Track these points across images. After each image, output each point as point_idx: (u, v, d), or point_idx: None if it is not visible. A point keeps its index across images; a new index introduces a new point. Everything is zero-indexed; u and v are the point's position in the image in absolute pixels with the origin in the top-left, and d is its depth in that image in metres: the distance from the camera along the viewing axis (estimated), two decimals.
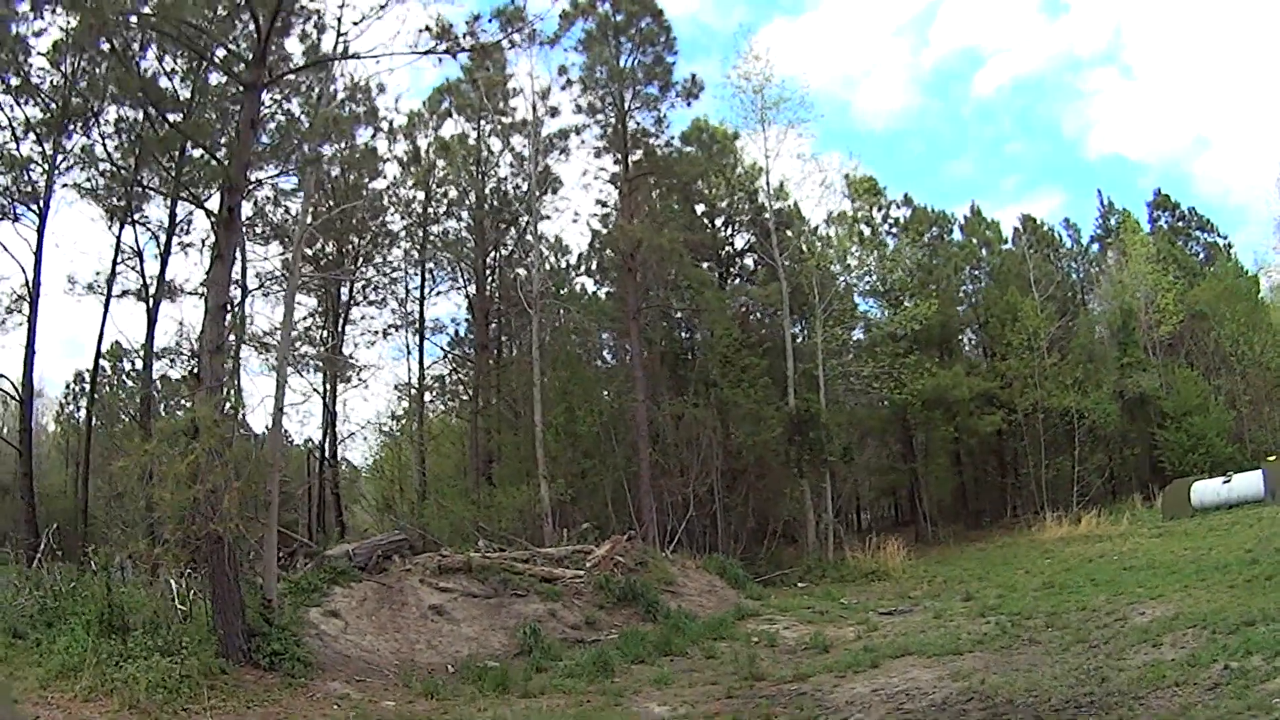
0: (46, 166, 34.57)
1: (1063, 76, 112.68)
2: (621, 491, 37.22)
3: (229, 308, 19.09)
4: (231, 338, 30.19)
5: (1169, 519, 39.56)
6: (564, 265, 50.34)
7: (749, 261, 50.36)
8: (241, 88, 19.63)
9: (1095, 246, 69.87)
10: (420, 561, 24.76)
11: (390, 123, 43.93)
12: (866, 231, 51.85)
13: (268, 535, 18.94)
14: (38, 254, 33.99)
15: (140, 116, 32.10)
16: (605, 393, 42.17)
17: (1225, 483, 39.38)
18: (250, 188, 31.35)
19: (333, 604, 20.96)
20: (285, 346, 22.25)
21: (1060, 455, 52.37)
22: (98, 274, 37.17)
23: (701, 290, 43.08)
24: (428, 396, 49.31)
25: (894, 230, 55.34)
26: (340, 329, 46.38)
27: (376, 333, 47.67)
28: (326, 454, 45.50)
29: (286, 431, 50.71)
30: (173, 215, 36.13)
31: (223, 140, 27.05)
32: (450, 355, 49.79)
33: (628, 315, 40.52)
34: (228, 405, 18.50)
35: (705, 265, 46.90)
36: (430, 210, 47.73)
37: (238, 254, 34.01)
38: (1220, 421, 50.85)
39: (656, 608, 23.85)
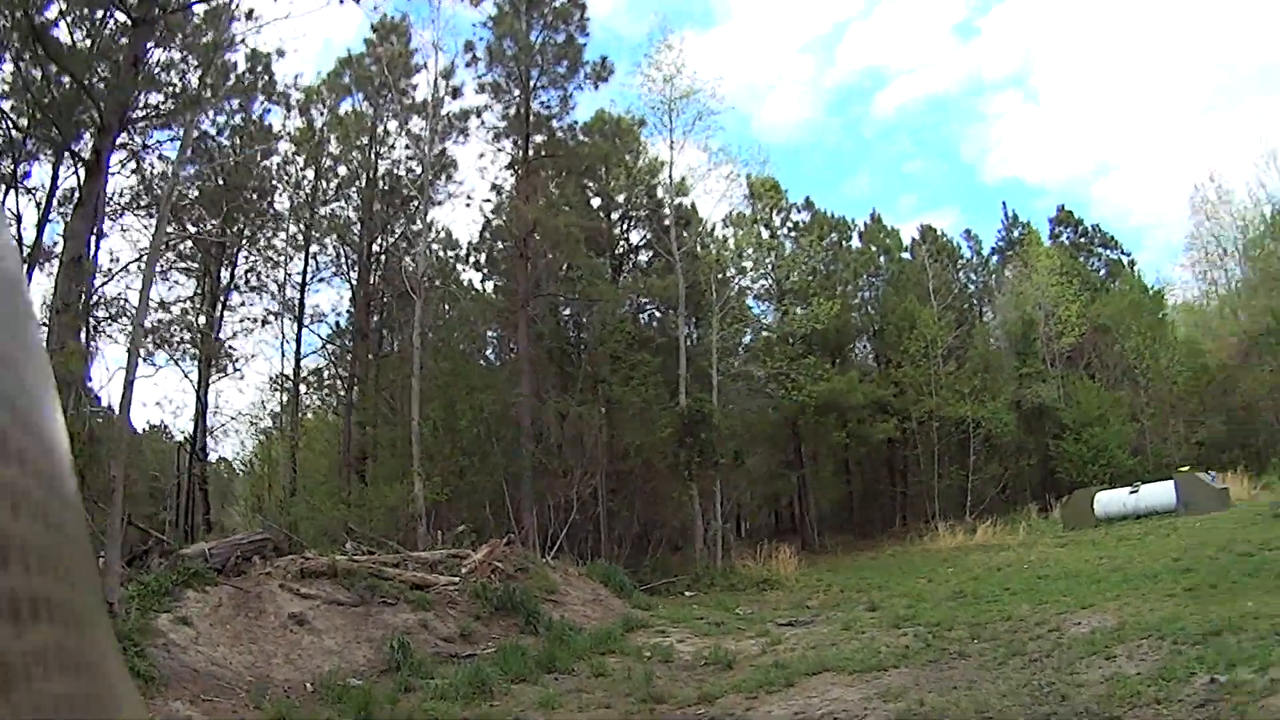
0: None
1: (967, 99, 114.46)
2: (501, 493, 35.36)
3: (82, 262, 16.82)
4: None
5: (1070, 529, 39.65)
6: (452, 256, 48.31)
7: (643, 257, 48.88)
8: (131, 22, 17.71)
9: (995, 258, 70.29)
10: (282, 564, 22.80)
11: (288, 97, 42.07)
12: (765, 234, 51.13)
13: (110, 528, 16.97)
14: None
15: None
16: (488, 389, 40.14)
17: (1132, 493, 39.47)
18: (132, 147, 29.64)
19: (184, 610, 19.03)
20: (142, 312, 19.99)
21: (954, 465, 52.55)
22: None
23: (595, 281, 41.42)
24: (303, 389, 46.82)
25: (793, 233, 54.73)
26: (219, 315, 43.92)
27: (255, 320, 45.03)
28: (196, 447, 42.92)
29: (164, 426, 48.43)
30: (55, 176, 33.43)
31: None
32: (328, 346, 47.48)
33: (517, 304, 38.81)
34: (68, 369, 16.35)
35: (599, 259, 45.26)
36: (320, 190, 45.51)
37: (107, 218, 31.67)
38: (1121, 434, 51.41)
39: (538, 618, 22.06)
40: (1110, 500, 40.08)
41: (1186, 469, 40.47)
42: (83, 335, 32.59)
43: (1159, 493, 38.73)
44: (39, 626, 0.67)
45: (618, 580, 28.63)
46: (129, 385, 18.76)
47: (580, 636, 21.18)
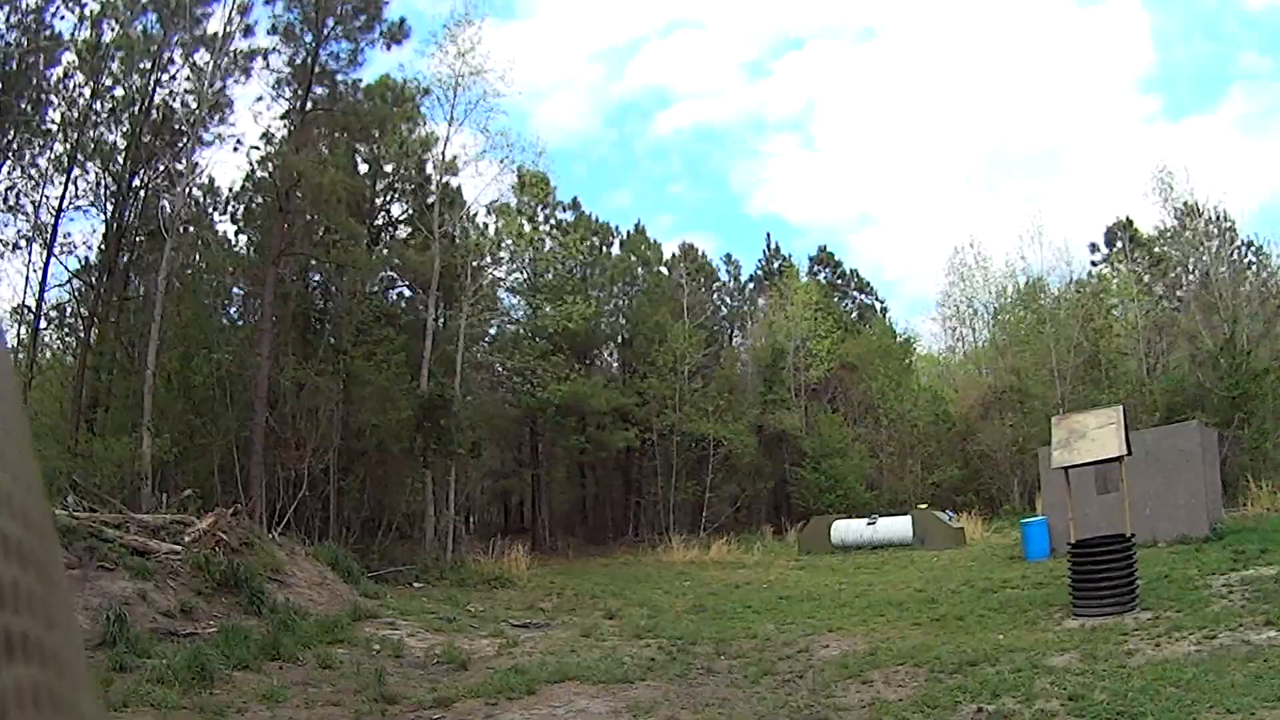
0: None
1: (745, 134, 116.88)
2: (231, 460, 33.58)
3: None
4: None
5: (806, 553, 41.01)
6: (211, 204, 45.65)
7: (402, 233, 47.33)
8: None
9: (752, 286, 71.16)
10: None
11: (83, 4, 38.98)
12: (528, 227, 50.10)
13: None
14: None
15: None
16: (228, 346, 38.08)
17: (870, 524, 41.10)
18: None
19: None
20: None
21: (691, 480, 53.41)
22: None
23: (350, 247, 39.85)
24: (44, 324, 43.18)
25: (555, 231, 53.97)
26: None
27: (5, 244, 41.09)
28: None
29: None
30: None
31: None
32: (74, 281, 44.17)
33: (268, 259, 36.84)
34: None
35: (359, 225, 43.55)
36: (94, 111, 41.70)
37: None
38: (860, 467, 53.78)
39: (262, 599, 20.69)
40: (848, 529, 41.53)
41: (925, 506, 42.57)
42: None
43: (896, 526, 40.47)
44: (18, 664, 0.69)
45: (346, 565, 27.36)
46: None
47: (306, 622, 20.01)
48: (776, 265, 70.34)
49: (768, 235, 76.14)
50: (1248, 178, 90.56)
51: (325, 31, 38.54)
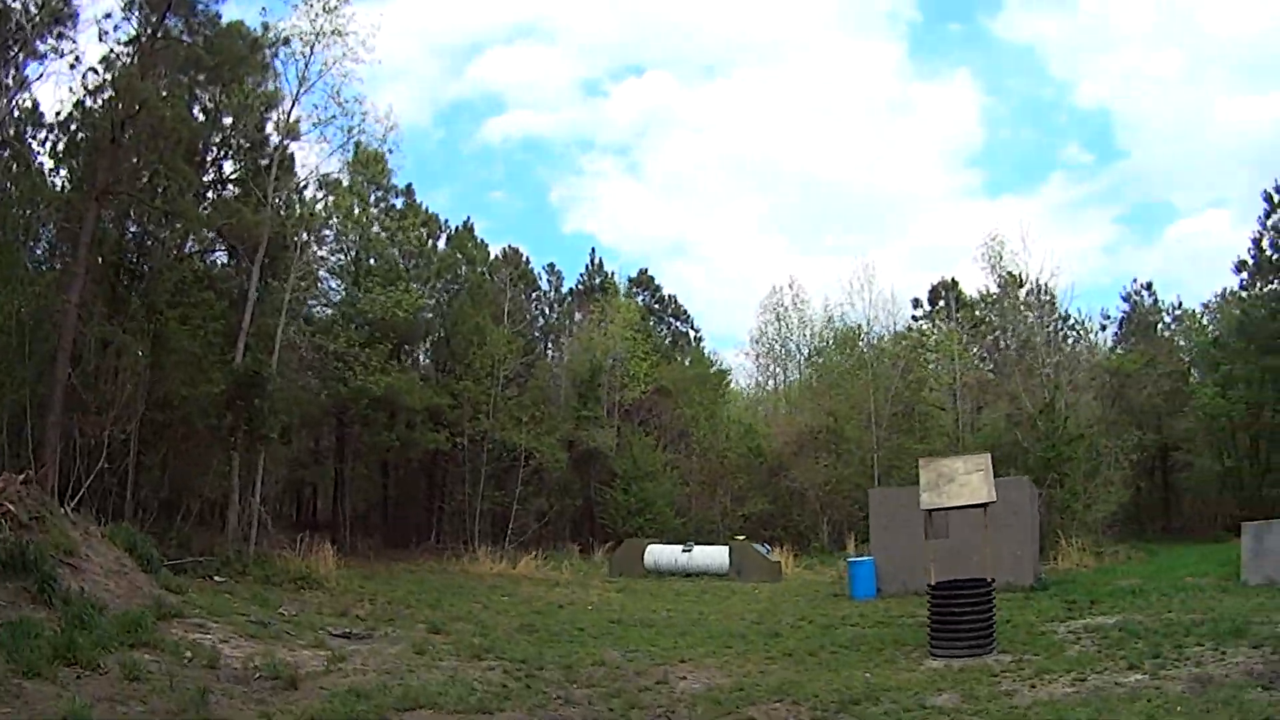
0: None
1: (572, 150, 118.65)
2: (21, 418, 29.57)
3: None
4: None
5: (618, 574, 41.39)
6: (29, 124, 40.96)
7: (228, 194, 43.42)
8: None
9: (571, 300, 70.52)
10: None
11: None
12: (358, 208, 47.81)
13: None
14: None
15: None
16: (30, 286, 33.71)
17: (686, 551, 41.63)
18: None
19: None
20: None
21: (499, 490, 52.69)
22: None
23: (182, 196, 36.02)
24: None
25: (384, 217, 50.99)
26: None
27: None
28: None
29: None
30: None
31: None
32: None
33: (90, 195, 32.70)
34: None
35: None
36: None
37: None
38: (670, 492, 54.00)
39: (54, 588, 17.08)
40: (662, 554, 41.75)
41: (743, 538, 42.99)
42: None
43: (713, 555, 41.10)
44: None
45: (145, 551, 23.71)
46: None
47: (104, 619, 16.64)
48: (598, 281, 70.49)
49: (591, 250, 75.38)
50: (1057, 263, 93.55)
51: None
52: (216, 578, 28.21)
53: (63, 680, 12.79)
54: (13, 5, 33.93)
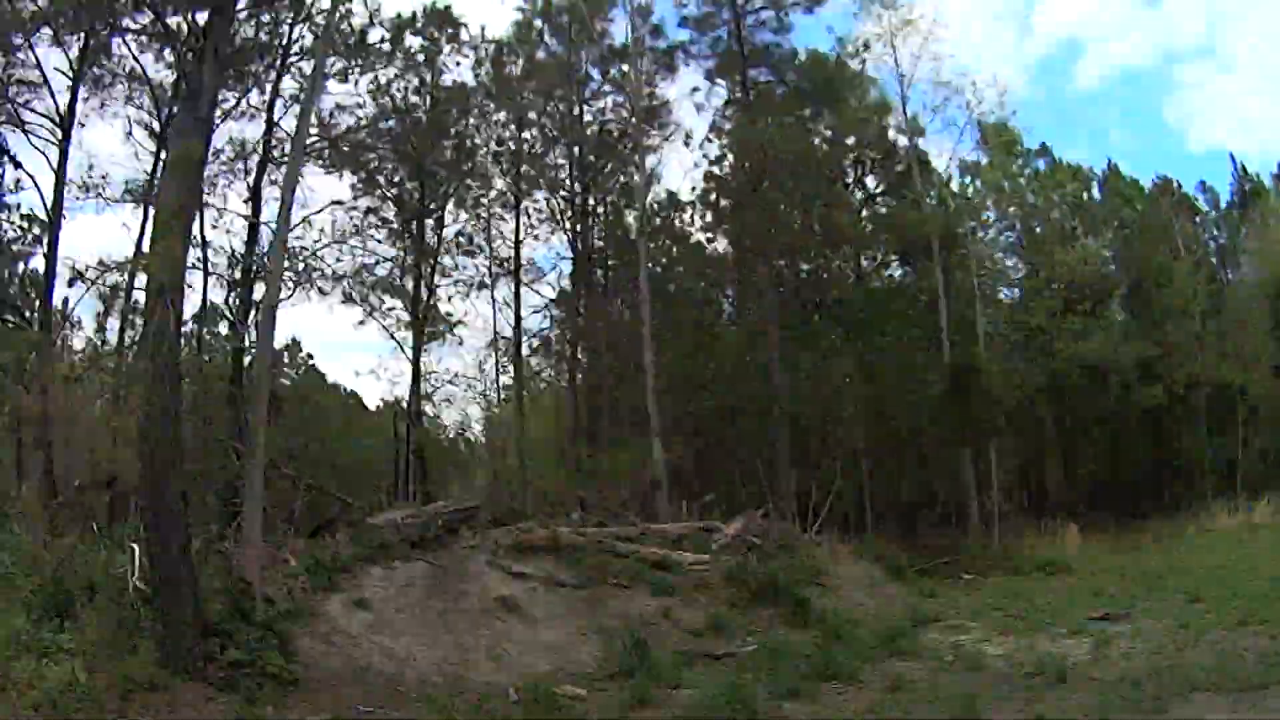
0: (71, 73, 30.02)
1: (1161, 68, 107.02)
2: (752, 459, 30.91)
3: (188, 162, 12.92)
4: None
5: None
6: (671, 210, 43.63)
7: (879, 207, 43.76)
8: None
9: (1233, 211, 61.96)
10: (494, 537, 18.92)
11: (475, 48, 39.31)
12: (1006, 184, 45.61)
13: (248, 487, 13.37)
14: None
15: None
16: (728, 345, 35.62)
17: None
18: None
19: (364, 590, 15.37)
20: (282, 230, 16.28)
21: (1220, 436, 46.83)
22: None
23: (835, 212, 36.56)
24: (525, 350, 42.97)
25: (1032, 184, 48.63)
26: (430, 277, 40.51)
27: (469, 284, 41.34)
28: (410, 412, 39.62)
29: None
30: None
31: None
32: (549, 307, 43.63)
33: (752, 249, 34.41)
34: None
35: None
36: (525, 143, 41.67)
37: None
38: None
39: (806, 608, 17.52)
40: None
41: None
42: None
43: None
44: None
45: (892, 561, 23.98)
46: (271, 307, 15.40)
47: (860, 632, 16.45)
48: (1247, 188, 60.87)
49: (1230, 157, 67.06)
50: None
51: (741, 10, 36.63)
52: (965, 575, 27.61)
53: (821, 698, 12.57)
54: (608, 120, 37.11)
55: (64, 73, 30.43)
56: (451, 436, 46.39)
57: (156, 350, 11.71)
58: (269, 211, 31.22)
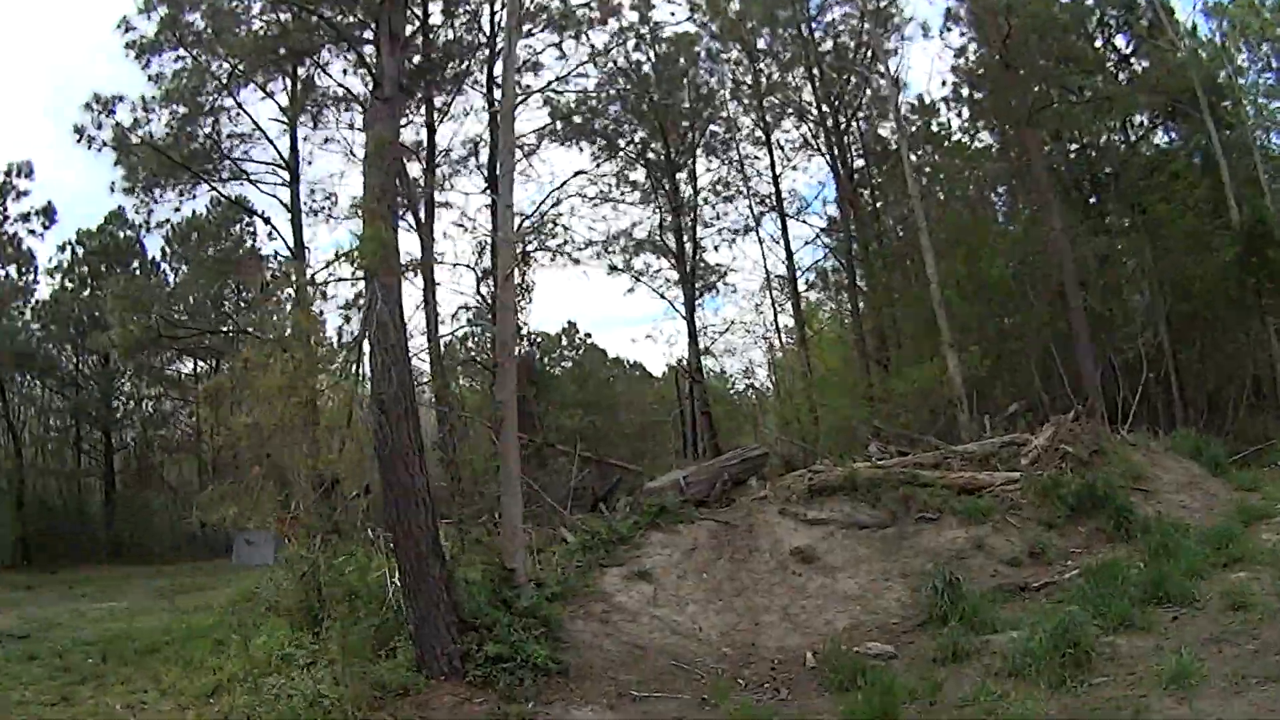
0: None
1: None
2: (1048, 358, 28.96)
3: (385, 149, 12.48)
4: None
5: None
6: (922, 108, 40.75)
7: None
8: None
9: None
10: (786, 484, 17.88)
11: None
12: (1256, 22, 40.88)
13: (504, 469, 13.22)
14: None
15: None
16: (1006, 235, 33.41)
17: None
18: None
19: (646, 560, 14.78)
20: (507, 182, 15.61)
21: None
22: None
23: (1092, 76, 33.96)
24: (801, 284, 42.05)
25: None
26: (692, 231, 40.64)
27: (736, 230, 41.33)
28: (691, 369, 39.67)
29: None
30: None
31: None
32: (820, 236, 42.33)
33: (1018, 120, 32.21)
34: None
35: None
36: (761, 76, 40.89)
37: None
38: None
39: (1128, 518, 15.83)
40: None
41: None
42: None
43: None
44: None
45: (1211, 455, 21.24)
46: (507, 277, 14.90)
47: (1187, 541, 14.50)
48: None
49: None
50: None
51: None
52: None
53: (1154, 627, 11.15)
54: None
55: (278, 120, 33.78)
56: (740, 388, 45.45)
57: (381, 337, 11.46)
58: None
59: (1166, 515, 16.23)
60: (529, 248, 34.03)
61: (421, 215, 30.41)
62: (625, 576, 14.08)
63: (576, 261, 37.26)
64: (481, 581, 12.24)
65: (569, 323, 51.20)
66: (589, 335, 51.93)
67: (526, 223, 34.46)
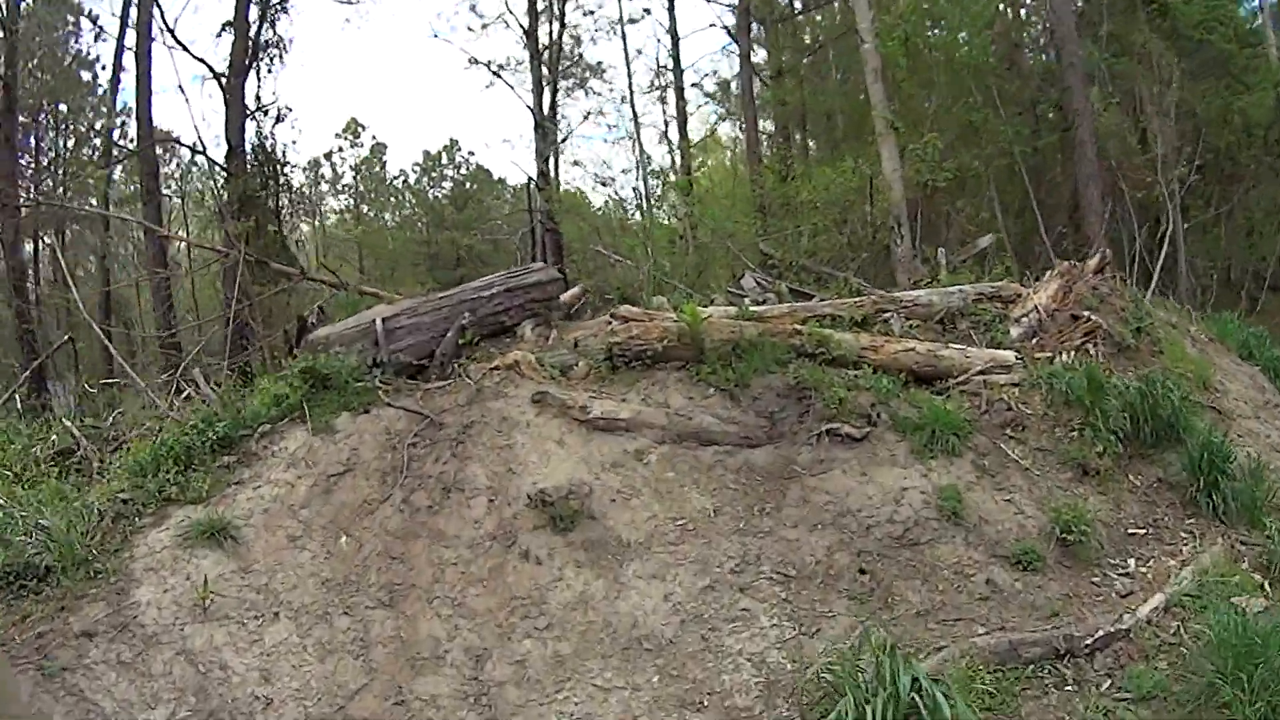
0: None
1: None
2: (1045, 185, 21.49)
3: None
4: None
5: None
6: None
7: None
8: None
9: None
10: (574, 338, 9.62)
11: None
12: None
13: None
14: None
15: None
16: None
17: None
18: None
19: (245, 495, 7.06)
20: None
21: None
22: None
23: None
24: (688, 82, 32.77)
25: None
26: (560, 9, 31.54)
27: (614, 21, 32.32)
28: (537, 176, 31.20)
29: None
30: None
31: None
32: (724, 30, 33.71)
33: None
34: None
35: None
36: None
37: None
38: None
39: (1223, 470, 7.96)
40: None
41: None
42: None
43: None
44: None
45: (1269, 356, 13.05)
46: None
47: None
48: None
49: None
50: None
51: None
52: None
53: None
54: None
55: None
56: (608, 206, 38.22)
57: None
58: None
59: (1266, 462, 8.61)
60: None
61: None
62: (188, 535, 6.42)
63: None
64: None
65: (451, 140, 47.26)
66: (472, 153, 47.82)
67: None
